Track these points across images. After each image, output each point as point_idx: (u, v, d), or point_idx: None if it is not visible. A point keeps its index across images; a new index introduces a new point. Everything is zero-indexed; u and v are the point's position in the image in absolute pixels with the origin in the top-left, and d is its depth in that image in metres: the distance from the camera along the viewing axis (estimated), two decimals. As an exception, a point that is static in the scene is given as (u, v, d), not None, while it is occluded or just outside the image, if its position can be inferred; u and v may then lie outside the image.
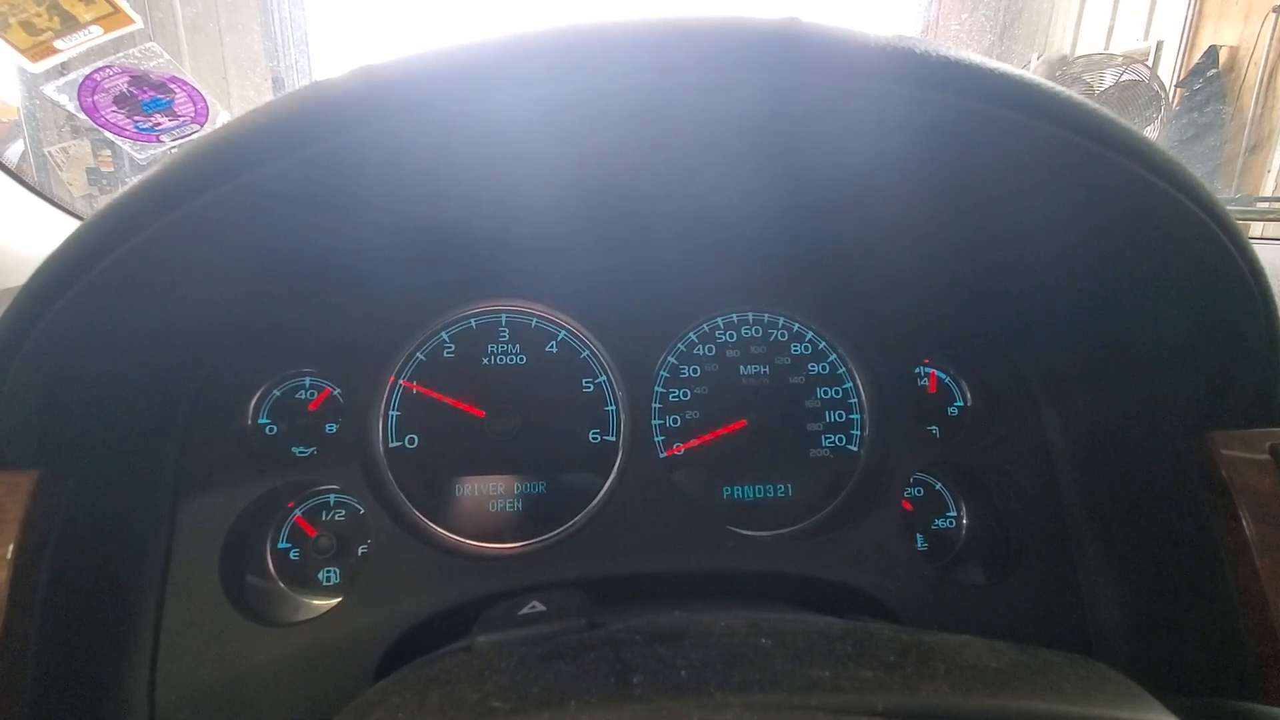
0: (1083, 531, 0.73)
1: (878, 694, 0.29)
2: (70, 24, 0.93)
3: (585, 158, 0.51)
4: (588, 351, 0.80)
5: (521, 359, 0.80)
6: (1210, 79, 4.06)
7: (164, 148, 1.03)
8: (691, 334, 0.83)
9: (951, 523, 0.82)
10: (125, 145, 1.03)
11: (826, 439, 0.82)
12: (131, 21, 0.95)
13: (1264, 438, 0.56)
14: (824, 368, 0.84)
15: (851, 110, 0.43)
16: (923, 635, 0.37)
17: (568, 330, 0.81)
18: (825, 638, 0.36)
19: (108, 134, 1.03)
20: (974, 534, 0.81)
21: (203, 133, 1.06)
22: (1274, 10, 3.83)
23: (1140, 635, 0.67)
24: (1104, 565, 0.71)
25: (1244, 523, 0.54)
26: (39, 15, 0.91)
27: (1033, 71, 0.47)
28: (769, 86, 0.40)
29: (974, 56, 0.39)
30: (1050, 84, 0.41)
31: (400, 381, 0.77)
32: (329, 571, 0.74)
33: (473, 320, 0.80)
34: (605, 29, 0.37)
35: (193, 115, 1.04)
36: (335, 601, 0.68)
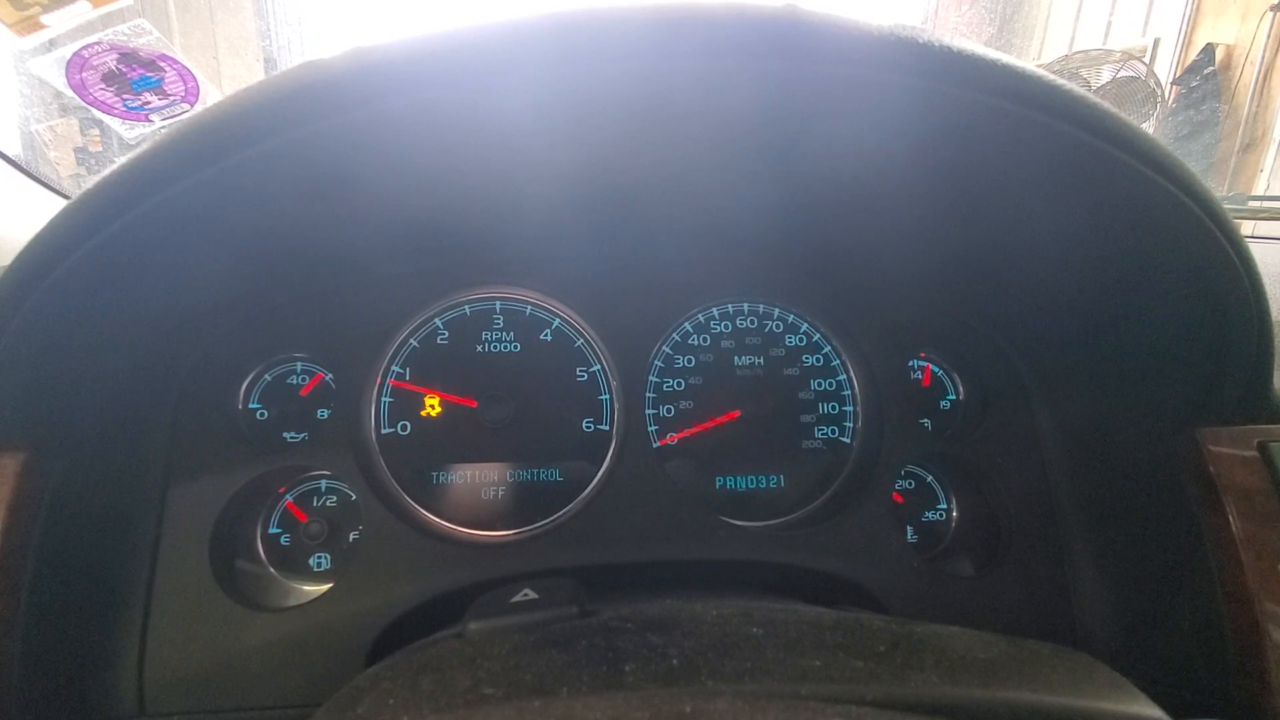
0: (1071, 525, 0.74)
1: (868, 683, 0.29)
2: (58, -2, 0.91)
3: (581, 146, 0.51)
4: (582, 340, 0.80)
5: (515, 347, 0.80)
6: (1206, 77, 4.06)
7: (153, 127, 1.02)
8: (686, 324, 0.83)
9: (942, 515, 0.83)
10: (114, 124, 1.01)
11: (819, 430, 0.83)
12: (120, -3, 0.94)
13: (1252, 434, 0.56)
14: (818, 360, 0.84)
15: (850, 101, 0.42)
16: (912, 626, 0.38)
17: (562, 318, 0.80)
18: (816, 627, 0.36)
19: (96, 112, 1.01)
20: (964, 526, 0.81)
21: (193, 112, 1.04)
22: (1271, 9, 3.83)
23: (1126, 628, 0.68)
24: (1092, 559, 0.72)
25: (1230, 518, 0.55)
26: (25, -12, 0.89)
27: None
28: (768, 74, 0.40)
29: (974, 47, 0.39)
30: (1050, 76, 0.41)
31: (389, 382, 0.77)
32: (320, 557, 0.74)
33: (467, 307, 0.80)
34: (601, 13, 0.37)
35: (183, 94, 1.02)
36: (326, 587, 0.68)
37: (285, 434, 0.76)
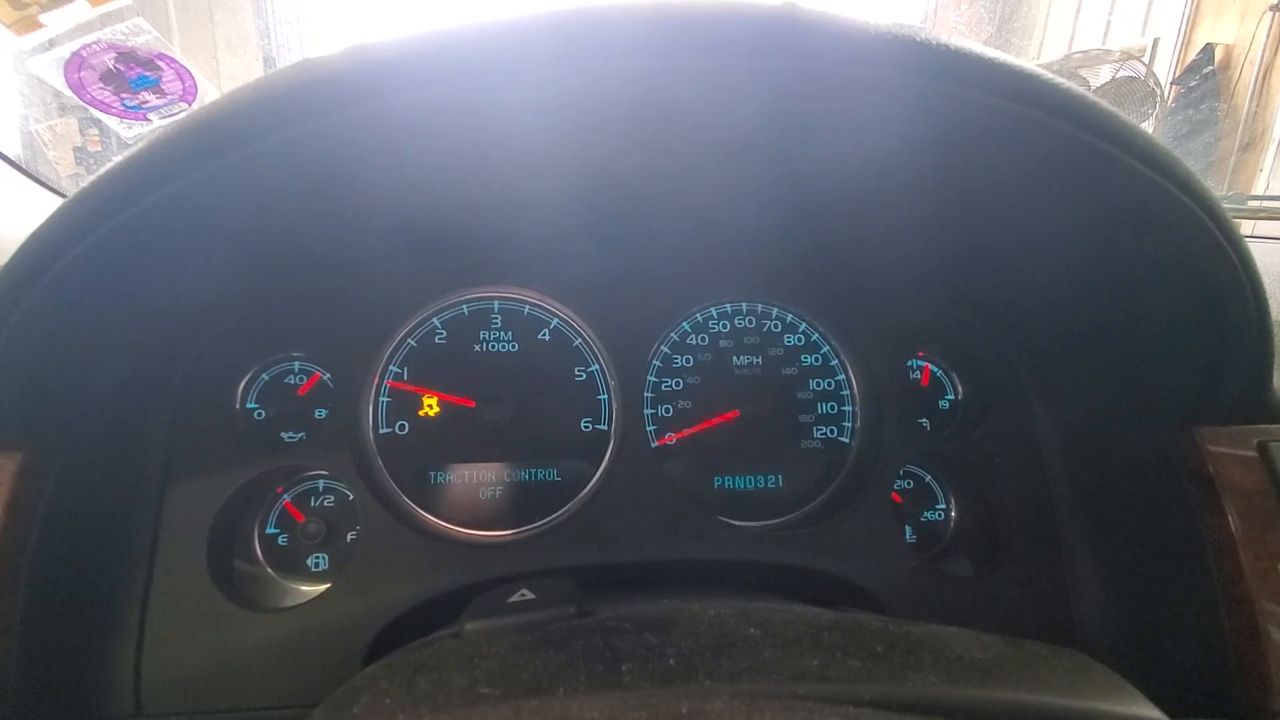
0: (1070, 525, 0.74)
1: (865, 683, 0.29)
2: (56, -2, 0.91)
3: (580, 144, 0.51)
4: (580, 340, 0.80)
5: (514, 346, 0.80)
6: (1206, 76, 4.06)
7: (151, 126, 1.02)
8: (685, 324, 0.83)
9: (940, 515, 0.82)
10: (112, 123, 1.01)
11: (818, 430, 0.83)
12: (119, -4, 0.94)
13: (1251, 434, 0.56)
14: (817, 359, 0.84)
15: (849, 99, 0.42)
16: (910, 626, 0.38)
17: (561, 318, 0.80)
18: (814, 627, 0.36)
19: (94, 111, 1.01)
20: (962, 526, 0.81)
21: (191, 110, 1.04)
22: (1270, 8, 3.83)
23: (1125, 628, 0.68)
24: (1090, 559, 0.72)
25: (1230, 518, 0.54)
26: (23, -12, 0.89)
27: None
28: (766, 72, 0.39)
29: (973, 45, 0.39)
30: (1049, 75, 0.41)
31: (387, 382, 0.77)
32: (318, 557, 0.74)
33: (465, 307, 0.80)
34: (601, 11, 0.37)
35: (181, 93, 1.02)
36: (324, 587, 0.67)
37: (283, 434, 0.76)
